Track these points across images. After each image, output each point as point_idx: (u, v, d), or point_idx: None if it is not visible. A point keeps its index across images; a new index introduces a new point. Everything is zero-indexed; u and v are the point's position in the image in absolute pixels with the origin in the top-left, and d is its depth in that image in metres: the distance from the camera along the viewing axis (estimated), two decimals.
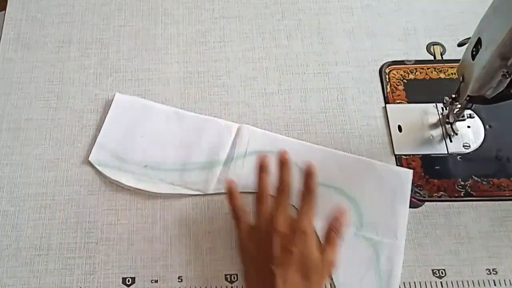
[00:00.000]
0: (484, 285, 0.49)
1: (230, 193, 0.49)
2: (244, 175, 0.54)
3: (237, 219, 0.48)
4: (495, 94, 0.46)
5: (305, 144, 0.56)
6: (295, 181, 0.49)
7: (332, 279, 0.50)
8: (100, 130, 0.57)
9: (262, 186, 0.49)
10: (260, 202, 0.48)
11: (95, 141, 0.56)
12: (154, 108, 0.58)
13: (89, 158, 0.56)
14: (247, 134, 0.56)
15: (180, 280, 0.50)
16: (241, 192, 0.49)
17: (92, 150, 0.56)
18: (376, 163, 0.55)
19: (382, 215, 0.52)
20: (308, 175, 0.48)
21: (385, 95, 0.60)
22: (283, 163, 0.49)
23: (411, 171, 0.54)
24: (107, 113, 0.58)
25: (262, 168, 0.49)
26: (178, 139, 0.56)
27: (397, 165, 0.55)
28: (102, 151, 0.56)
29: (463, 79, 0.49)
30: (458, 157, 0.56)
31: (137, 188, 0.54)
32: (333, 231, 0.47)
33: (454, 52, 0.62)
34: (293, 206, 0.50)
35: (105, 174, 0.55)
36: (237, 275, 0.51)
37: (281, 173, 0.49)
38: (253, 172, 0.49)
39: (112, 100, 0.59)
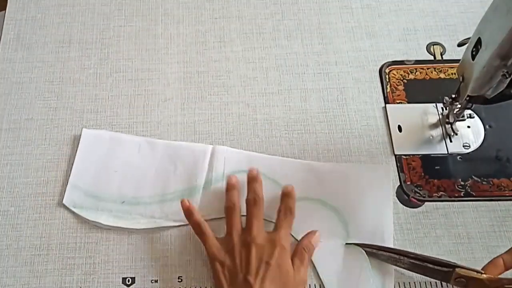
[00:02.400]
0: None
1: (188, 211, 0.50)
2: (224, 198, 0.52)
3: (202, 234, 0.49)
4: (495, 94, 0.46)
5: (281, 159, 0.55)
6: (272, 196, 0.51)
7: None
8: (71, 169, 0.55)
9: (231, 199, 0.50)
10: (231, 215, 0.49)
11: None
12: (123, 140, 0.56)
13: (63, 202, 0.53)
14: (223, 155, 0.55)
15: (180, 280, 0.50)
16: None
17: (65, 192, 0.54)
18: (353, 166, 0.54)
19: (367, 219, 0.51)
20: (287, 195, 0.50)
21: (385, 95, 0.60)
22: (253, 179, 0.51)
23: (389, 166, 0.54)
24: (76, 151, 0.56)
25: (230, 186, 0.51)
26: (153, 169, 0.54)
27: (397, 165, 0.55)
28: (76, 191, 0.54)
29: (463, 79, 0.49)
30: (458, 157, 0.56)
31: (116, 227, 0.52)
32: (304, 249, 0.48)
33: (454, 52, 0.62)
34: (265, 219, 0.50)
35: (82, 216, 0.52)
36: None
37: (252, 187, 0.50)
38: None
39: (80, 137, 0.56)
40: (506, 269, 0.44)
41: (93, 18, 0.66)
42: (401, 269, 0.49)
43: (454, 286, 0.46)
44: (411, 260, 0.47)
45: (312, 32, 0.64)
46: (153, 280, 0.51)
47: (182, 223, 0.52)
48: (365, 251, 0.50)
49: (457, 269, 0.44)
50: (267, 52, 0.63)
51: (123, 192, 0.53)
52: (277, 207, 0.51)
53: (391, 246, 0.50)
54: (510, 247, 0.45)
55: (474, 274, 0.44)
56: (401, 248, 0.50)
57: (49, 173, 0.56)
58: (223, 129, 0.58)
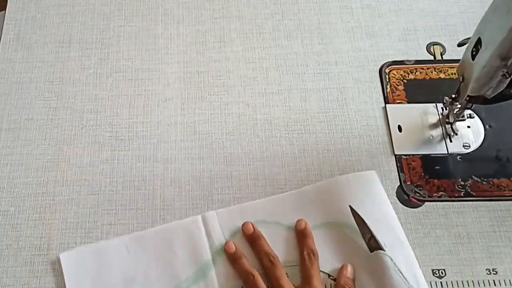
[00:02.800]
0: (484, 285, 0.49)
1: (235, 257, 0.48)
2: None
3: (254, 280, 0.47)
4: (495, 94, 0.46)
5: (272, 198, 0.53)
6: (282, 238, 0.50)
7: None
8: None
9: (245, 270, 0.48)
10: (253, 285, 0.47)
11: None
12: (107, 248, 0.51)
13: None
14: (215, 219, 0.52)
15: None
16: None
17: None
18: (341, 178, 0.53)
19: (378, 226, 0.49)
20: (303, 235, 0.49)
21: (385, 95, 0.60)
22: (255, 237, 0.50)
23: (373, 171, 0.53)
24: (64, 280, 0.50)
25: (233, 257, 0.49)
26: (153, 265, 0.49)
27: (397, 165, 0.55)
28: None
29: (463, 79, 0.49)
30: (458, 157, 0.56)
31: None
32: (347, 286, 0.47)
33: (454, 52, 0.62)
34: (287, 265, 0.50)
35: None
36: None
37: (260, 246, 0.49)
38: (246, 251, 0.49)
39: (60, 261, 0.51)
40: None
41: (93, 18, 0.66)
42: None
43: None
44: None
45: (312, 32, 0.64)
46: None
47: None
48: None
49: None
50: (267, 52, 0.63)
51: None
52: (292, 247, 0.50)
53: (407, 243, 0.50)
54: None
55: None
56: None
57: (49, 173, 0.56)
58: (223, 129, 0.58)
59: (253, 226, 0.50)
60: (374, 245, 0.48)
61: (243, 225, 0.51)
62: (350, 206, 0.50)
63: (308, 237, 0.49)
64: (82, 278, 0.49)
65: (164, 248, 0.50)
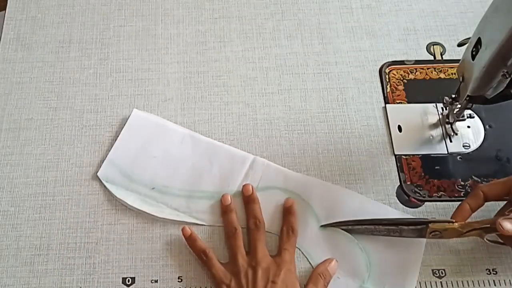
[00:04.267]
0: (484, 285, 0.49)
1: (190, 239, 0.51)
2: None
3: (207, 259, 0.49)
4: (495, 94, 0.46)
5: (318, 181, 0.54)
6: (306, 218, 0.51)
7: None
8: (112, 145, 0.56)
9: (231, 223, 0.51)
10: (234, 239, 0.50)
11: (106, 155, 0.55)
12: (169, 129, 0.57)
13: (98, 174, 0.54)
14: (261, 168, 0.54)
15: (180, 280, 0.50)
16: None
17: (102, 166, 0.55)
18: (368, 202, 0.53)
19: (392, 266, 0.49)
20: (288, 212, 0.51)
21: (385, 95, 0.60)
22: (251, 200, 0.52)
23: (424, 240, 0.50)
24: (122, 128, 0.57)
25: (226, 208, 0.52)
26: (190, 163, 0.55)
27: (397, 165, 0.55)
28: (111, 167, 0.55)
29: (463, 79, 0.49)
30: (458, 157, 0.56)
31: (141, 210, 0.52)
32: (320, 276, 0.48)
33: (454, 52, 0.62)
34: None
35: (111, 192, 0.53)
36: None
37: (251, 209, 0.51)
38: (264, 208, 0.52)
39: (129, 116, 0.57)
40: (473, 211, 0.47)
41: (93, 18, 0.66)
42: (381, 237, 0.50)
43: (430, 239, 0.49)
44: (386, 227, 0.49)
45: (312, 32, 0.64)
46: (153, 280, 0.51)
47: (204, 223, 0.52)
48: (342, 229, 0.51)
49: (430, 224, 0.46)
50: (267, 52, 0.63)
51: (156, 179, 0.54)
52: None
53: None
54: (472, 192, 0.48)
55: (447, 225, 0.46)
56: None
57: (49, 173, 0.56)
58: (223, 129, 0.58)
59: (252, 189, 0.52)
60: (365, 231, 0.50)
61: (244, 185, 0.53)
62: (321, 226, 0.52)
63: (292, 215, 0.51)
64: (134, 136, 0.56)
65: (207, 159, 0.55)
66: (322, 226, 0.51)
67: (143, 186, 0.54)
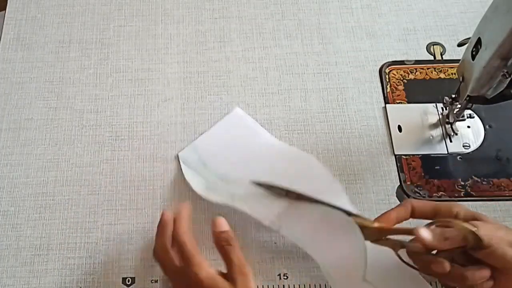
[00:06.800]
0: None
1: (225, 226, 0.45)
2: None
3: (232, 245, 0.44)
4: (495, 94, 0.46)
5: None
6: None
7: None
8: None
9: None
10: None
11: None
12: (260, 134, 0.57)
13: (179, 153, 0.56)
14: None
15: None
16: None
17: (185, 148, 0.56)
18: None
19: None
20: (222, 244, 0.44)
21: (385, 95, 0.60)
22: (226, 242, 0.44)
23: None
24: (217, 121, 0.57)
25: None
26: (268, 167, 0.53)
27: (397, 165, 0.55)
28: (193, 153, 0.56)
29: (463, 79, 0.49)
30: (458, 157, 0.56)
31: (203, 196, 0.51)
32: (222, 242, 0.43)
33: (454, 52, 0.62)
34: None
35: (183, 172, 0.54)
36: None
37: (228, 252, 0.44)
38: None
39: (228, 113, 0.58)
40: (397, 222, 0.45)
41: (93, 18, 0.66)
42: None
43: None
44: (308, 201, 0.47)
45: (312, 32, 0.64)
46: (153, 280, 0.51)
47: (262, 222, 0.48)
48: (259, 184, 0.49)
49: (352, 217, 0.44)
50: (267, 52, 0.63)
51: (230, 173, 0.53)
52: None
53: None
54: (401, 203, 0.46)
55: (365, 223, 0.44)
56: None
57: (49, 173, 0.56)
58: None
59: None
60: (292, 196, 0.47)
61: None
62: (252, 181, 0.50)
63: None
64: (225, 134, 0.57)
65: (293, 169, 0.53)
66: (253, 181, 0.50)
67: (214, 176, 0.53)
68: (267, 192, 0.50)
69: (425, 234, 0.40)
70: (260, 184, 0.50)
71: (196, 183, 0.53)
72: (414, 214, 0.45)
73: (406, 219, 0.45)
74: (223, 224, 0.45)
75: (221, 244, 0.43)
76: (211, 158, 0.55)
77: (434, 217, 0.44)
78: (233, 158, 0.55)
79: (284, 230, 0.48)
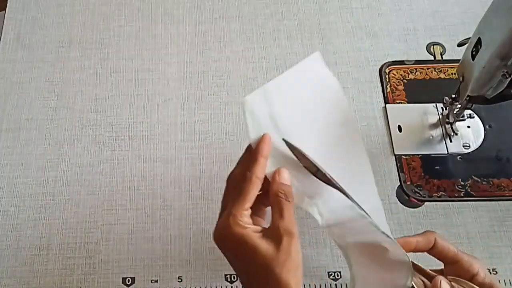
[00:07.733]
0: None
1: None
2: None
3: (290, 202, 0.40)
4: (495, 94, 0.46)
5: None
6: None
7: None
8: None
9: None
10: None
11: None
12: (332, 91, 0.45)
13: (247, 97, 0.42)
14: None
15: (180, 280, 0.50)
16: None
17: (254, 92, 0.42)
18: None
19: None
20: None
21: (385, 95, 0.60)
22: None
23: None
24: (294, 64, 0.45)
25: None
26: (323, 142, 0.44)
27: (397, 165, 0.55)
28: (262, 101, 0.43)
29: (463, 79, 0.49)
30: (458, 157, 0.56)
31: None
32: (279, 195, 0.40)
33: (454, 52, 0.62)
34: None
35: (246, 124, 0.42)
36: (236, 275, 0.51)
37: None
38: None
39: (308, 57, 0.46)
40: (415, 251, 0.41)
41: (93, 18, 0.66)
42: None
43: None
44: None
45: (312, 32, 0.64)
46: (153, 280, 0.51)
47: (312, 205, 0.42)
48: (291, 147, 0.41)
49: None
50: (267, 52, 0.63)
51: (294, 131, 0.42)
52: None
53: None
54: (424, 233, 0.42)
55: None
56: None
57: (49, 173, 0.56)
58: (223, 129, 0.58)
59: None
60: (323, 178, 0.41)
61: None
62: (284, 140, 0.42)
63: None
64: (301, 81, 0.44)
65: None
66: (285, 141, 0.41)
67: (277, 132, 0.42)
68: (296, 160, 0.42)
69: (445, 286, 0.38)
70: (292, 148, 0.42)
71: (255, 133, 0.42)
72: (433, 250, 0.41)
73: (424, 251, 0.41)
74: (287, 178, 0.41)
75: (279, 196, 0.39)
76: (281, 110, 0.43)
77: (453, 264, 0.41)
78: (299, 116, 0.44)
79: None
